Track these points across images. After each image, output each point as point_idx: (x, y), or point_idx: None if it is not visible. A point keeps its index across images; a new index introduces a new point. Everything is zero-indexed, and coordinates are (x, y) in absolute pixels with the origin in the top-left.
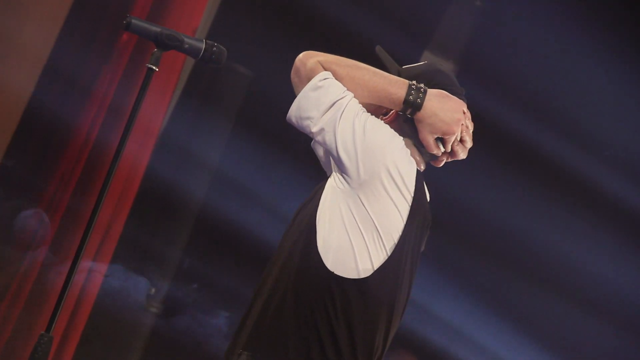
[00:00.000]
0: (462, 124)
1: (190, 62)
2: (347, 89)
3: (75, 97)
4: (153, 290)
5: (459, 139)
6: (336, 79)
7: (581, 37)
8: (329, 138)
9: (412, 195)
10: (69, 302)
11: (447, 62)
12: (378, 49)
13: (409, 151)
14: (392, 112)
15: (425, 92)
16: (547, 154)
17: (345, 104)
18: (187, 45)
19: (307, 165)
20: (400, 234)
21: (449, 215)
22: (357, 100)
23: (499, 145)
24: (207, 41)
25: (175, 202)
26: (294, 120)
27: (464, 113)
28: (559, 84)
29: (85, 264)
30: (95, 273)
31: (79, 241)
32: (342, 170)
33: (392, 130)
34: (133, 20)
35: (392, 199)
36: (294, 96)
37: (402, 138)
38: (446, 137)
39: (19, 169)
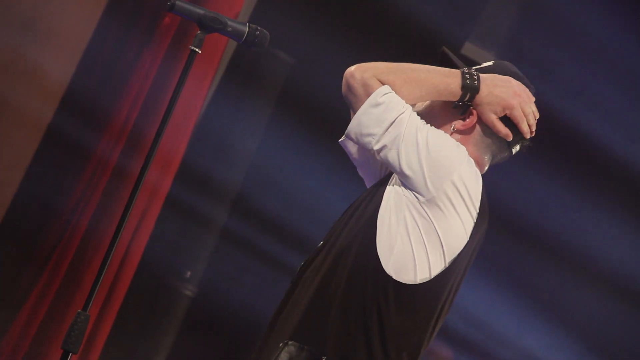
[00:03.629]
0: (521, 97)
1: (231, 46)
2: (408, 93)
3: (116, 78)
4: (188, 273)
5: (524, 111)
6: (394, 87)
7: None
8: (392, 155)
9: (478, 210)
10: (106, 281)
11: (489, 53)
12: (445, 50)
13: (472, 161)
14: (467, 121)
15: (478, 75)
16: (586, 141)
17: (407, 119)
18: (230, 28)
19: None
20: (462, 248)
21: None
22: (416, 114)
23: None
24: (251, 25)
25: (212, 186)
26: (353, 136)
27: (519, 90)
28: (608, 75)
29: (121, 245)
30: (131, 255)
31: (117, 222)
32: (408, 185)
33: (455, 141)
34: (177, 2)
35: (458, 215)
36: (334, 84)
37: (464, 147)
38: (508, 112)
39: (59, 149)
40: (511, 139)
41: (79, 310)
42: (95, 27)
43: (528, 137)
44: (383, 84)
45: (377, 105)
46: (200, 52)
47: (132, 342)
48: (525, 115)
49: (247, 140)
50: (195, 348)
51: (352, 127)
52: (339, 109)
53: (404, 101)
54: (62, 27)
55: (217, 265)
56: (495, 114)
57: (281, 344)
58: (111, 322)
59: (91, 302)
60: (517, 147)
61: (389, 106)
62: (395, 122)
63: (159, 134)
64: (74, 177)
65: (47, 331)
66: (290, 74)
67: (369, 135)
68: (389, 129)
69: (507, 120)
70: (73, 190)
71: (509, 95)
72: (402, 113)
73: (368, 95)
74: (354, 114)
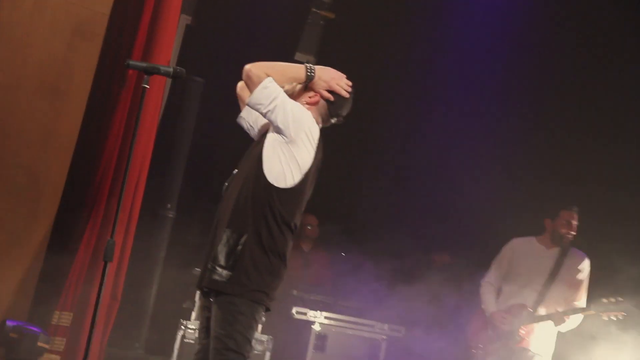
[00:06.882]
0: (335, 78)
1: (169, 80)
2: (278, 79)
3: (109, 111)
4: (169, 205)
5: (339, 84)
6: (272, 74)
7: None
8: (273, 116)
9: (315, 148)
10: (123, 216)
11: (311, 57)
12: (298, 56)
13: (315, 120)
14: (315, 96)
15: (314, 68)
16: None
17: (281, 96)
18: (162, 71)
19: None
20: (309, 166)
21: None
22: (285, 94)
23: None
24: (174, 67)
25: (173, 154)
26: (251, 104)
27: (335, 75)
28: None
29: (128, 193)
30: (136, 198)
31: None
32: (280, 132)
33: (305, 109)
34: (130, 62)
35: (307, 149)
36: (231, 94)
37: (310, 113)
38: (330, 87)
39: (87, 157)
40: (333, 100)
41: (109, 239)
42: (91, 87)
43: (347, 96)
44: (268, 75)
45: (266, 88)
46: (148, 87)
47: (145, 248)
48: (340, 87)
49: (185, 127)
50: (181, 249)
51: (252, 99)
52: (233, 112)
53: (279, 86)
54: (66, 93)
55: (187, 199)
56: (323, 87)
57: (221, 231)
58: (131, 240)
59: (114, 231)
60: (334, 120)
61: (273, 89)
62: (276, 97)
63: (134, 135)
64: (95, 170)
65: (98, 252)
66: (202, 89)
67: (261, 104)
68: (272, 101)
69: (334, 93)
70: (96, 169)
71: (329, 78)
72: (280, 93)
73: (260, 81)
74: (251, 92)
